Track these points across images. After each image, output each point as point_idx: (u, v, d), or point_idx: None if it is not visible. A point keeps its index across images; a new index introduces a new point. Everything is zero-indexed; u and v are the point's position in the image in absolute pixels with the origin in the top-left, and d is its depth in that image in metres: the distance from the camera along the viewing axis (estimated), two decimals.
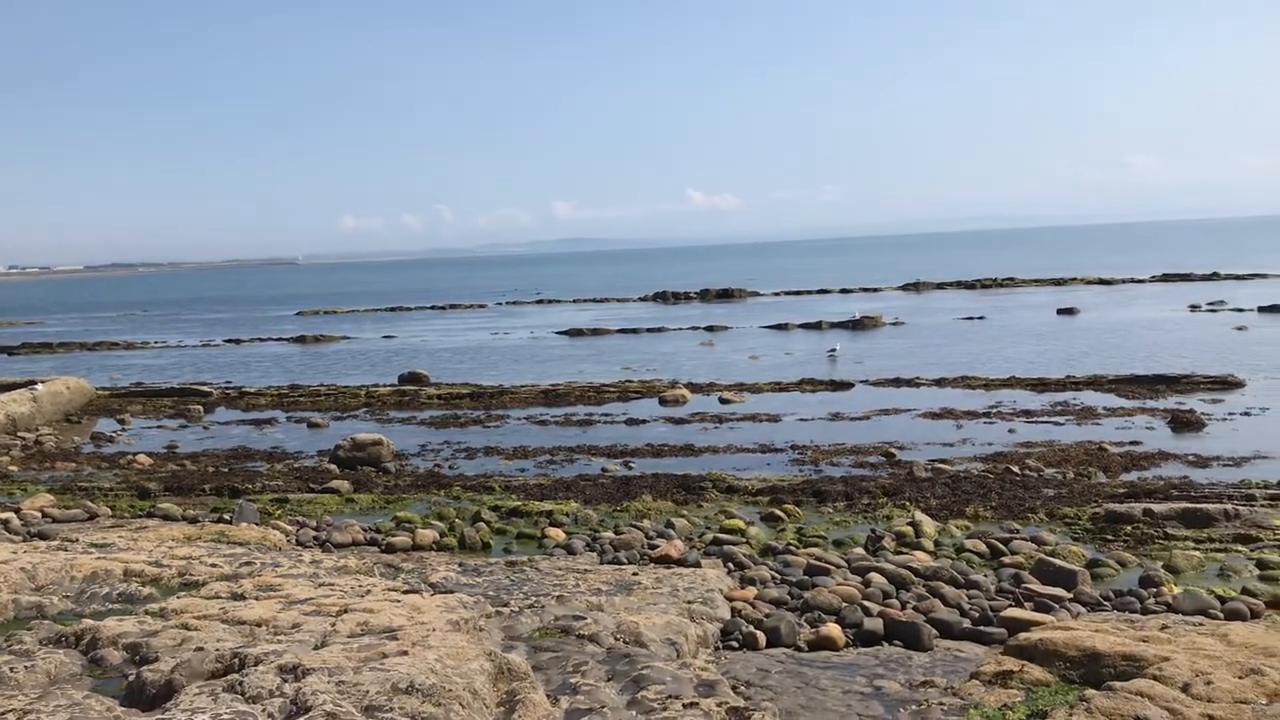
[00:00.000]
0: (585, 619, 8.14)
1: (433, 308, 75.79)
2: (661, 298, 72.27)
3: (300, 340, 50.84)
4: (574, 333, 47.89)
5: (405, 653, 6.45)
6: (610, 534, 12.92)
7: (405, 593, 8.56)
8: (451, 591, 8.98)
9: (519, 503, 14.92)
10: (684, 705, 6.17)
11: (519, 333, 50.62)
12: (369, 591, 8.54)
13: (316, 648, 6.74)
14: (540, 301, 77.71)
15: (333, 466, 18.69)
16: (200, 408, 27.38)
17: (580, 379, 30.26)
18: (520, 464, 18.74)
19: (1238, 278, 63.14)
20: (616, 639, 7.78)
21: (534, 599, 8.88)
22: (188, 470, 18.75)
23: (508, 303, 78.03)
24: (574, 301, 75.10)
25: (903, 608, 9.63)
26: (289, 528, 13.37)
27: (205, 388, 30.79)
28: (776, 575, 10.83)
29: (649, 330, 47.60)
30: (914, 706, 6.77)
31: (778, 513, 13.89)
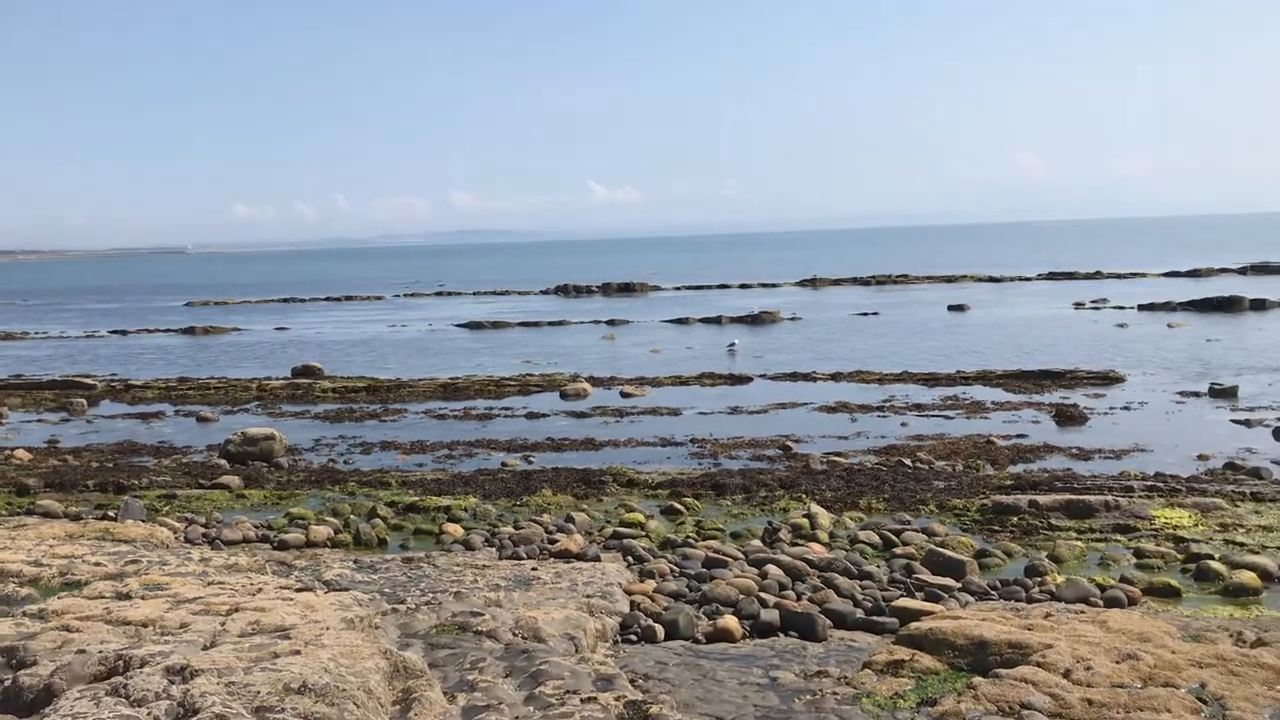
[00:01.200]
0: (483, 615, 8.09)
1: (328, 299, 74.39)
2: (563, 291, 72.12)
3: (189, 332, 49.43)
4: (473, 325, 47.50)
5: (298, 652, 6.33)
6: (509, 529, 12.86)
7: (298, 590, 8.40)
8: (346, 589, 8.84)
9: (416, 498, 14.74)
10: (582, 700, 6.18)
11: (417, 325, 50.00)
12: (260, 590, 8.36)
13: (205, 648, 6.57)
14: (439, 294, 76.88)
15: (223, 462, 18.23)
16: (84, 401, 26.43)
17: (480, 372, 30.04)
18: (418, 459, 18.51)
19: (1119, 276, 65.51)
20: (515, 635, 7.75)
21: (431, 596, 8.79)
22: (70, 466, 18.09)
23: (406, 295, 77.04)
24: (474, 294, 74.45)
25: (798, 599, 9.79)
26: (177, 525, 13.00)
27: (89, 380, 29.73)
28: (675, 568, 10.90)
29: (550, 324, 47.46)
30: (809, 696, 6.89)
31: (677, 506, 13.98)
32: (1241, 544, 11.67)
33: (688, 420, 21.61)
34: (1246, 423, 19.31)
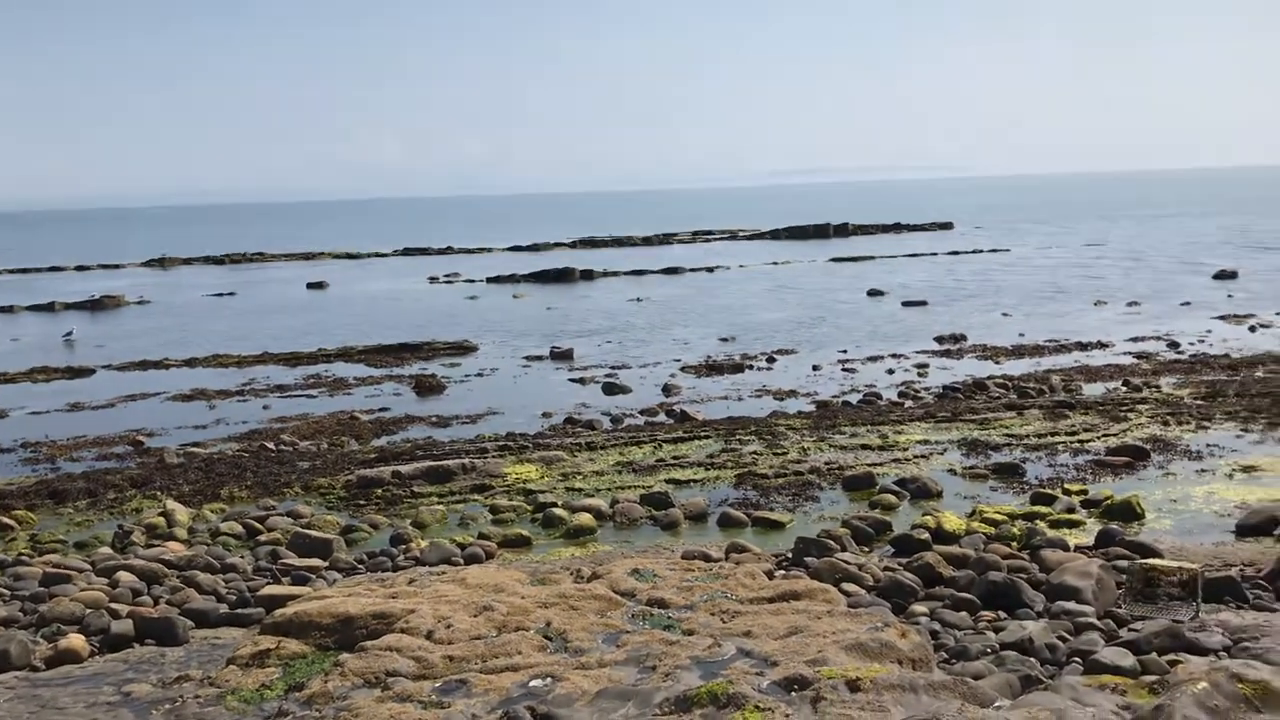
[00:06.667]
0: None
1: None
2: None
3: None
4: None
5: None
6: None
7: None
8: None
9: None
10: None
11: None
12: None
13: None
14: None
15: None
16: None
17: None
18: None
19: (469, 252, 69.55)
20: None
21: None
22: None
23: None
24: None
25: (155, 604, 9.12)
26: None
27: None
28: (6, 592, 9.60)
29: None
30: (168, 705, 6.45)
31: (6, 521, 12.31)
32: (580, 489, 13.05)
33: (17, 422, 19.16)
34: (582, 381, 21.60)
